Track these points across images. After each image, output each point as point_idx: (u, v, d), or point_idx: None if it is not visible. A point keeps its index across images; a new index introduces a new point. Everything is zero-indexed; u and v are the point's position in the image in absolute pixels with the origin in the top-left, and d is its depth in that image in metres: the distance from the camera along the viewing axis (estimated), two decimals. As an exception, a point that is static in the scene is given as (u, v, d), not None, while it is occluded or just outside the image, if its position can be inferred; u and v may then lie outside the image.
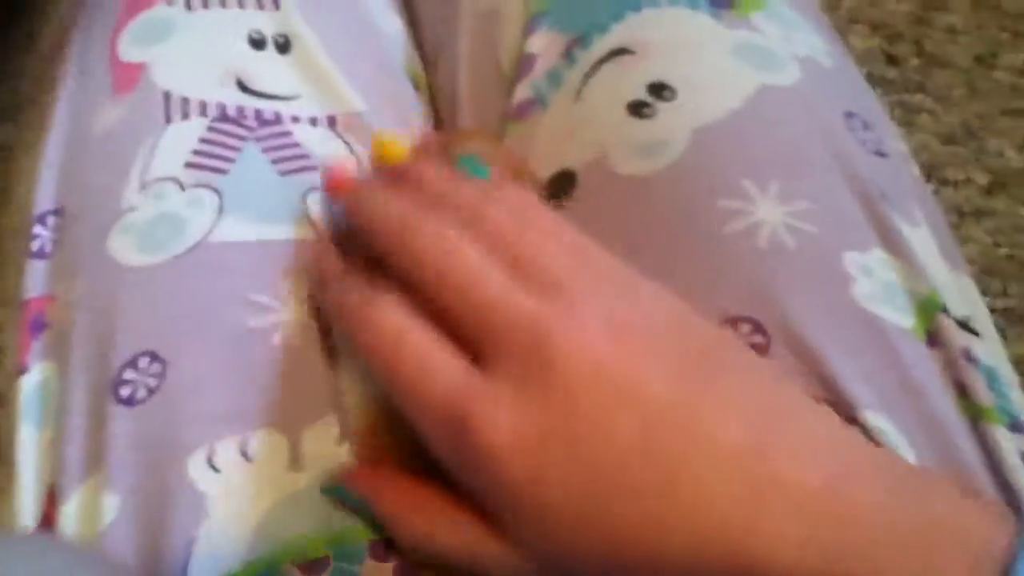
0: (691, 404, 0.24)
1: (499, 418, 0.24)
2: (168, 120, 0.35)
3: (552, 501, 0.24)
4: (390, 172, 0.32)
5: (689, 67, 0.35)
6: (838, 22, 0.63)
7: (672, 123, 0.34)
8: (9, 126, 0.72)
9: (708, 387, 0.24)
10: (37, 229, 0.35)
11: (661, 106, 0.34)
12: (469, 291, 0.26)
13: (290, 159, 0.35)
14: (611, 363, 0.24)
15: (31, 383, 0.33)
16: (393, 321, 0.27)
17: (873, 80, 0.40)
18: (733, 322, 0.31)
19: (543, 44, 0.37)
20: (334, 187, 0.33)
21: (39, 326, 0.34)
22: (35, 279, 0.34)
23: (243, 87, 0.36)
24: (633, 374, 0.24)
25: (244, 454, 0.31)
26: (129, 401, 0.31)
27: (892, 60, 0.75)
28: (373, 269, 0.29)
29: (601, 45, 0.36)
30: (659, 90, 0.35)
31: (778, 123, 0.34)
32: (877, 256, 0.32)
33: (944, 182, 0.74)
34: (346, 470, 0.30)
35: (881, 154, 0.36)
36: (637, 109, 0.35)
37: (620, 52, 0.36)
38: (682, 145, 0.34)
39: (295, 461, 0.31)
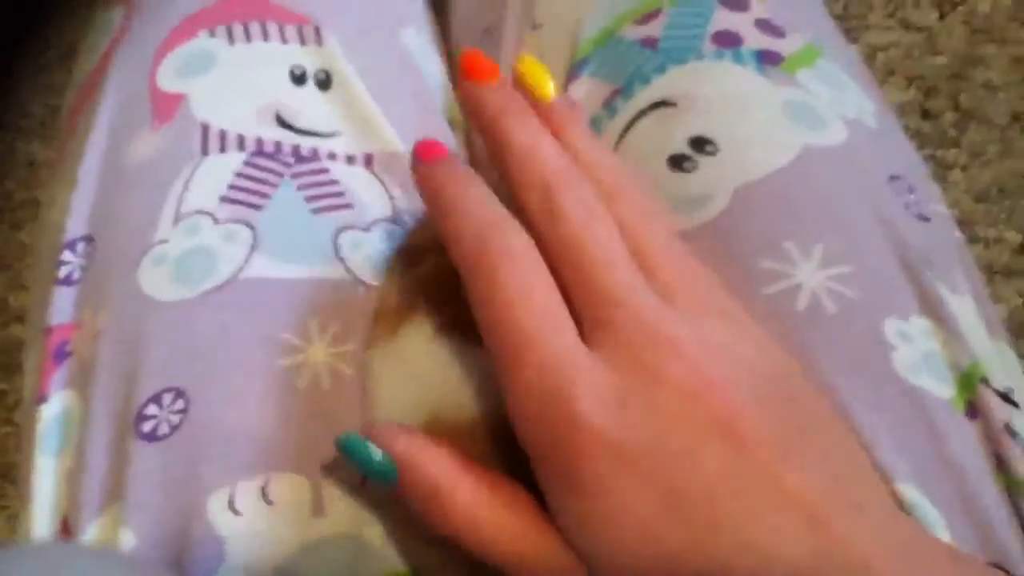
0: (783, 454, 0.24)
1: (599, 400, 0.24)
2: (205, 152, 0.34)
3: (625, 506, 0.24)
4: (539, 106, 0.31)
5: (733, 123, 0.34)
6: (875, 74, 0.63)
7: (713, 179, 0.34)
8: (36, 143, 0.73)
9: (800, 440, 0.25)
10: (66, 255, 0.34)
11: (703, 161, 0.34)
12: (600, 269, 0.26)
13: (324, 197, 0.35)
14: (717, 391, 0.25)
15: (51, 412, 0.33)
16: (527, 260, 0.26)
17: (908, 133, 0.40)
18: None
19: (584, 92, 0.37)
20: (474, 72, 0.31)
21: (62, 355, 0.33)
22: (60, 306, 0.34)
23: (282, 122, 0.36)
24: (735, 408, 0.24)
25: (265, 497, 0.30)
26: (151, 437, 0.30)
27: (927, 114, 0.75)
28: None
29: (643, 96, 0.36)
30: (701, 144, 0.34)
31: (823, 184, 0.33)
32: (918, 324, 0.31)
33: (975, 240, 0.73)
34: (373, 424, 0.28)
35: (924, 218, 0.35)
36: (678, 163, 0.34)
37: (662, 104, 0.35)
38: (723, 202, 0.33)
39: (317, 506, 0.30)
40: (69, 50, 0.76)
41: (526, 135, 0.29)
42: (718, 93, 0.35)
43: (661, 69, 0.36)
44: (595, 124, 0.37)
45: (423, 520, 0.27)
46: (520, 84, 0.31)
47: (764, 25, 0.37)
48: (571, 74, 0.38)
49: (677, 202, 0.34)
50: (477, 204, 0.28)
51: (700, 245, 0.33)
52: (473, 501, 0.26)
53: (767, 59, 0.36)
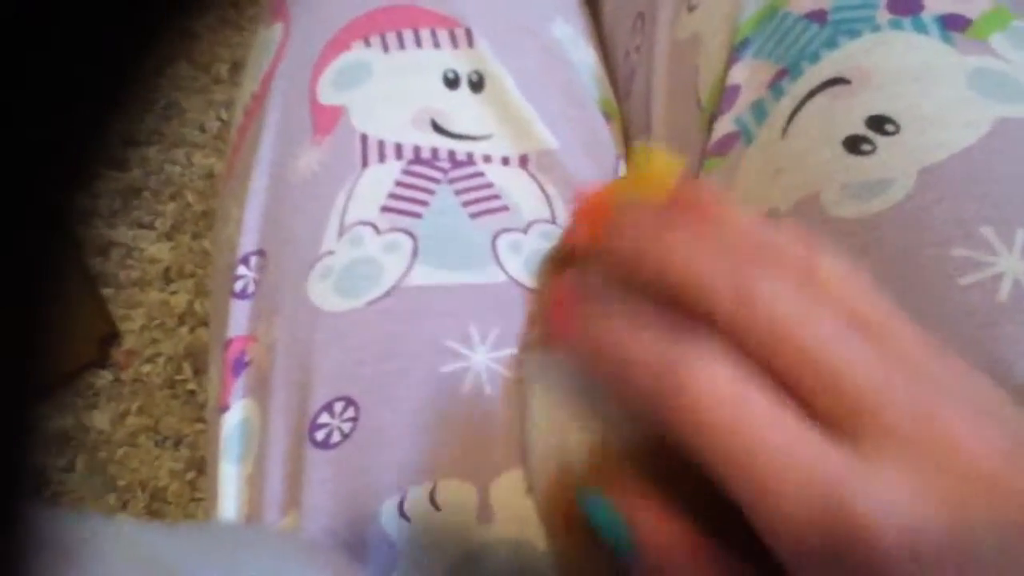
0: None
1: (888, 501, 0.20)
2: (365, 164, 0.35)
3: None
4: (676, 204, 0.24)
5: (915, 98, 0.31)
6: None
7: (895, 161, 0.31)
8: (213, 156, 0.77)
9: None
10: (240, 270, 0.36)
11: (882, 141, 0.31)
12: (835, 364, 0.21)
13: (481, 201, 0.35)
14: (1008, 464, 0.21)
15: (232, 421, 0.34)
16: (730, 379, 0.21)
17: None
18: None
19: (747, 75, 0.35)
20: (590, 214, 0.25)
21: (240, 365, 0.35)
22: (237, 319, 0.35)
23: (437, 127, 0.36)
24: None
25: (434, 503, 0.30)
26: (324, 444, 0.31)
27: None
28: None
29: (812, 76, 0.33)
30: (880, 124, 0.31)
31: (1020, 161, 0.30)
32: None
33: None
34: (605, 476, 0.24)
35: None
36: (854, 145, 0.32)
37: (834, 82, 0.33)
38: (907, 185, 0.30)
39: (484, 512, 0.30)
40: (238, 65, 0.79)
41: (673, 250, 0.22)
42: (897, 67, 0.32)
43: (832, 44, 0.33)
44: (760, 109, 0.34)
45: None
46: (641, 184, 0.25)
47: None
48: (732, 57, 0.35)
49: (854, 187, 0.31)
50: (647, 343, 0.22)
51: (882, 233, 0.30)
52: None
53: (952, 24, 0.32)
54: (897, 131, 0.31)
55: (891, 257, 0.30)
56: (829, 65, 0.33)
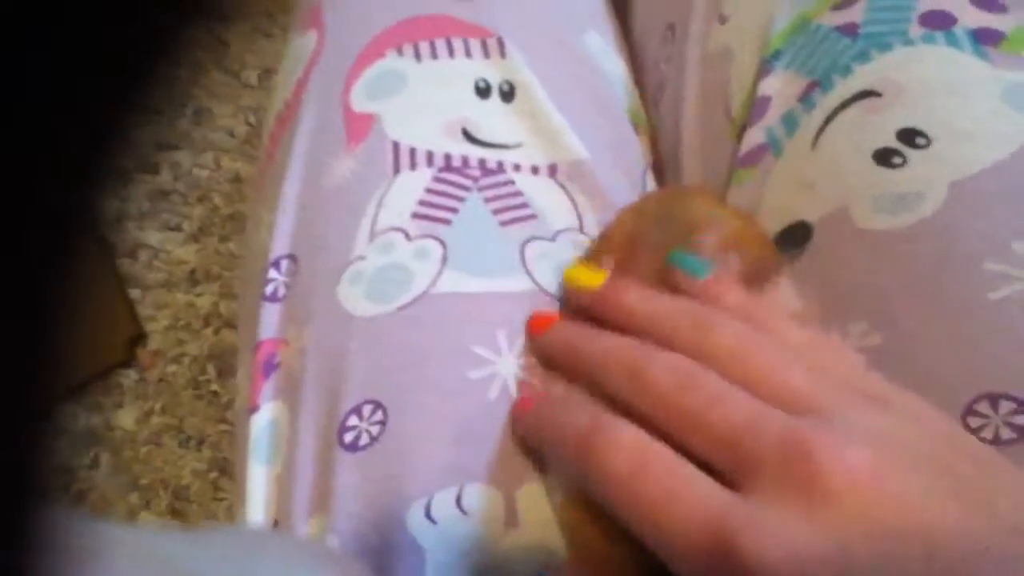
0: (977, 534, 0.21)
1: (769, 539, 0.22)
2: (397, 171, 0.35)
3: None
4: (591, 301, 0.31)
5: (948, 112, 0.31)
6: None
7: (926, 174, 0.31)
8: (240, 160, 0.78)
9: (990, 514, 0.22)
10: (271, 273, 0.36)
11: (913, 155, 0.31)
12: (713, 420, 0.25)
13: (510, 209, 0.35)
14: (883, 482, 0.22)
15: (262, 422, 0.34)
16: (632, 440, 0.25)
17: None
18: (993, 399, 0.28)
19: (778, 86, 0.35)
20: (538, 328, 0.33)
21: (270, 367, 0.35)
22: (267, 322, 0.36)
23: (468, 136, 0.36)
24: (908, 495, 0.22)
25: (460, 507, 0.30)
26: (353, 447, 0.32)
27: None
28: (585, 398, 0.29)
29: (843, 88, 0.33)
30: (911, 137, 0.31)
31: None
32: None
33: None
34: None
35: None
36: (885, 158, 0.32)
37: (865, 95, 0.33)
38: (938, 199, 0.30)
39: (511, 516, 0.30)
40: (267, 72, 0.80)
41: (595, 345, 0.29)
42: (929, 81, 0.32)
43: (864, 57, 0.33)
44: (791, 120, 0.34)
45: None
46: (573, 294, 0.33)
47: None
48: (763, 69, 0.36)
49: (884, 200, 0.31)
50: (575, 416, 0.28)
51: (912, 247, 0.30)
52: None
53: (985, 38, 0.32)
54: (929, 144, 0.31)
55: (921, 271, 0.30)
56: (861, 78, 0.33)
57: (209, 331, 0.74)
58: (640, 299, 0.29)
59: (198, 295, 0.75)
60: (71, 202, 0.10)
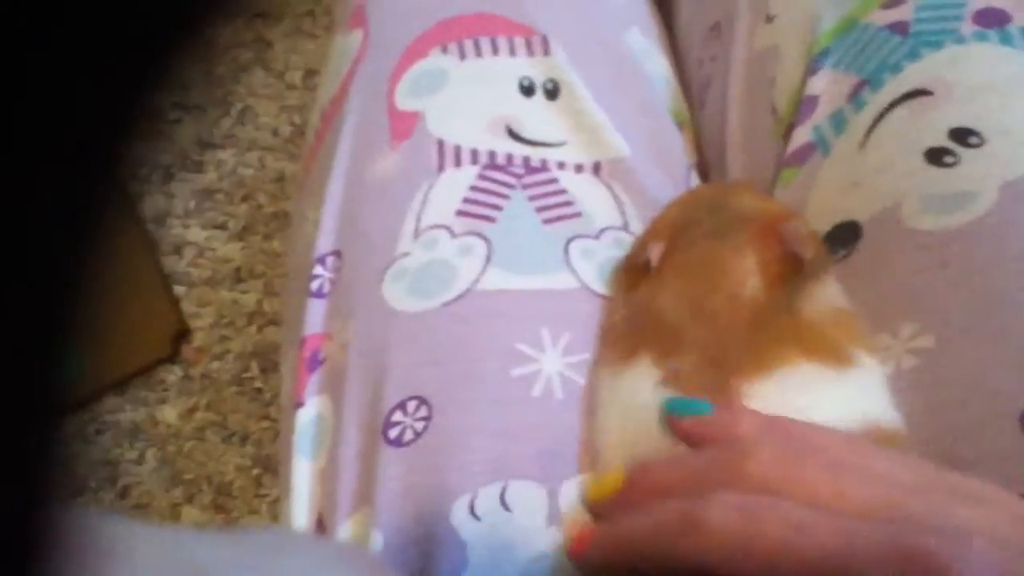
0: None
1: None
2: (441, 168, 0.35)
3: None
4: (622, 497, 0.27)
5: (1000, 111, 0.31)
6: None
7: (979, 174, 0.30)
8: (284, 159, 0.79)
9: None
10: (317, 270, 0.37)
11: (966, 154, 0.31)
12: (804, 547, 0.22)
13: (554, 207, 0.35)
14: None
15: (306, 417, 0.35)
16: (739, 498, 0.23)
17: None
18: None
19: (826, 85, 0.35)
20: (579, 548, 0.27)
21: (315, 362, 0.36)
22: (313, 317, 0.36)
23: (512, 134, 0.36)
24: None
25: (504, 503, 0.31)
26: (397, 442, 0.32)
27: None
28: None
29: (893, 87, 0.33)
30: (964, 136, 0.31)
31: None
32: None
33: None
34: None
35: None
36: (937, 157, 0.31)
37: (916, 94, 0.32)
38: (990, 199, 0.30)
39: (553, 515, 0.30)
40: (311, 72, 0.81)
41: (639, 524, 0.25)
42: (982, 79, 0.31)
43: (914, 55, 0.33)
44: (839, 119, 0.34)
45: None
46: (598, 500, 0.27)
47: None
48: (810, 68, 0.35)
49: (935, 200, 0.31)
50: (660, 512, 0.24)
51: (962, 247, 0.30)
52: None
53: None
54: (981, 144, 0.31)
55: (971, 271, 0.30)
56: (911, 76, 0.33)
57: (253, 328, 0.75)
58: (667, 467, 0.26)
59: (242, 292, 0.76)
60: (116, 200, 0.10)
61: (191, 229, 0.77)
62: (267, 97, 0.81)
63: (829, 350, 0.29)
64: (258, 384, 0.73)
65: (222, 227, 0.77)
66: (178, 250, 0.77)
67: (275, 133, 0.80)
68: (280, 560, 0.25)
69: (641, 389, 0.30)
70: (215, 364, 0.74)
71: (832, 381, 0.29)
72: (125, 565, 0.18)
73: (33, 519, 0.11)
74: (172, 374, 0.74)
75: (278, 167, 0.79)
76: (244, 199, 0.78)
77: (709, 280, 0.30)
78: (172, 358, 0.74)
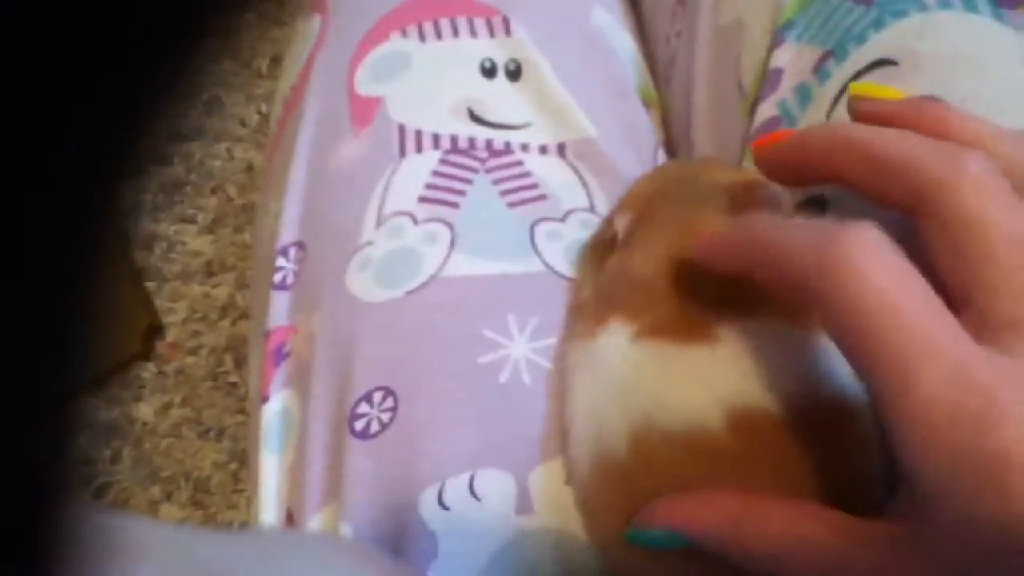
0: None
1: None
2: (403, 154, 0.35)
3: None
4: (892, 110, 0.26)
5: (968, 81, 0.30)
6: None
7: None
8: (252, 150, 0.78)
9: None
10: (280, 261, 0.36)
11: None
12: (1000, 248, 0.22)
13: (518, 190, 0.34)
14: None
15: (273, 411, 0.34)
16: (887, 263, 0.21)
17: None
18: None
19: (790, 58, 0.34)
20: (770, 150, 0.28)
21: (280, 356, 0.35)
22: (277, 310, 0.36)
23: (475, 117, 0.35)
24: None
25: (473, 492, 0.30)
26: (363, 435, 0.31)
27: None
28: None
29: (858, 58, 0.32)
30: None
31: None
32: None
33: None
34: (643, 511, 0.26)
35: None
36: None
37: (881, 64, 0.32)
38: None
39: (523, 502, 0.30)
40: (278, 60, 0.80)
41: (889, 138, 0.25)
42: (947, 48, 0.31)
43: (878, 25, 0.32)
44: (805, 92, 0.34)
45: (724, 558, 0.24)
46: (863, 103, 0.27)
47: None
48: (775, 40, 0.35)
49: None
50: (800, 229, 0.23)
51: None
52: (781, 530, 0.23)
53: (1005, 1, 0.31)
54: None
55: None
56: (875, 47, 0.32)
57: (226, 322, 0.74)
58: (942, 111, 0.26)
59: (214, 286, 0.75)
60: (85, 196, 0.10)
61: (161, 223, 0.76)
62: (234, 87, 0.80)
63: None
64: (233, 378, 0.72)
65: (192, 220, 0.76)
66: (148, 245, 0.76)
67: (243, 123, 0.79)
68: (294, 559, 0.25)
69: (613, 349, 0.29)
70: (189, 359, 0.73)
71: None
72: (143, 565, 0.18)
73: (51, 518, 0.11)
74: (146, 371, 0.73)
75: (247, 158, 0.78)
76: (213, 191, 0.77)
77: (682, 241, 0.29)
78: (146, 355, 0.73)
